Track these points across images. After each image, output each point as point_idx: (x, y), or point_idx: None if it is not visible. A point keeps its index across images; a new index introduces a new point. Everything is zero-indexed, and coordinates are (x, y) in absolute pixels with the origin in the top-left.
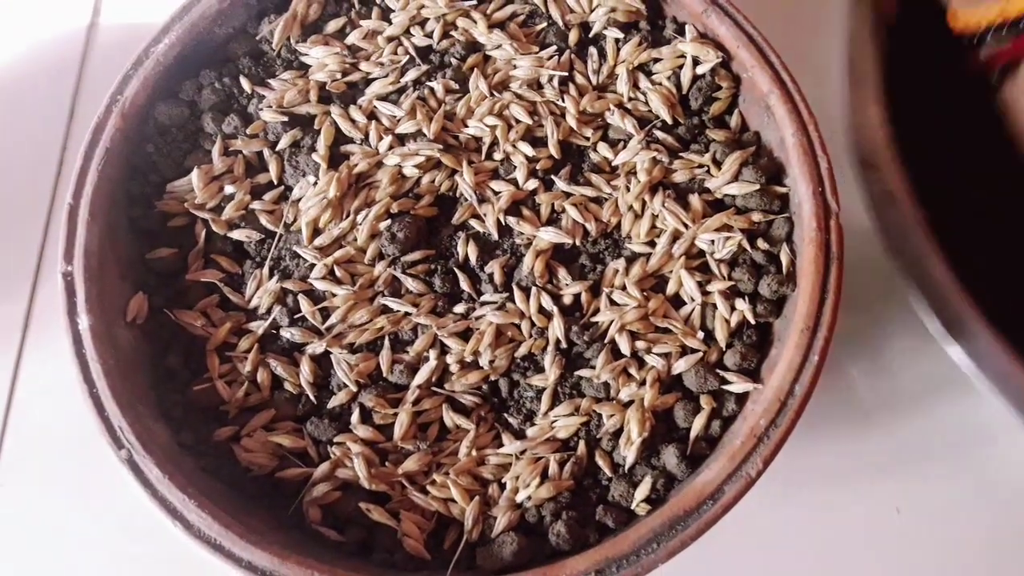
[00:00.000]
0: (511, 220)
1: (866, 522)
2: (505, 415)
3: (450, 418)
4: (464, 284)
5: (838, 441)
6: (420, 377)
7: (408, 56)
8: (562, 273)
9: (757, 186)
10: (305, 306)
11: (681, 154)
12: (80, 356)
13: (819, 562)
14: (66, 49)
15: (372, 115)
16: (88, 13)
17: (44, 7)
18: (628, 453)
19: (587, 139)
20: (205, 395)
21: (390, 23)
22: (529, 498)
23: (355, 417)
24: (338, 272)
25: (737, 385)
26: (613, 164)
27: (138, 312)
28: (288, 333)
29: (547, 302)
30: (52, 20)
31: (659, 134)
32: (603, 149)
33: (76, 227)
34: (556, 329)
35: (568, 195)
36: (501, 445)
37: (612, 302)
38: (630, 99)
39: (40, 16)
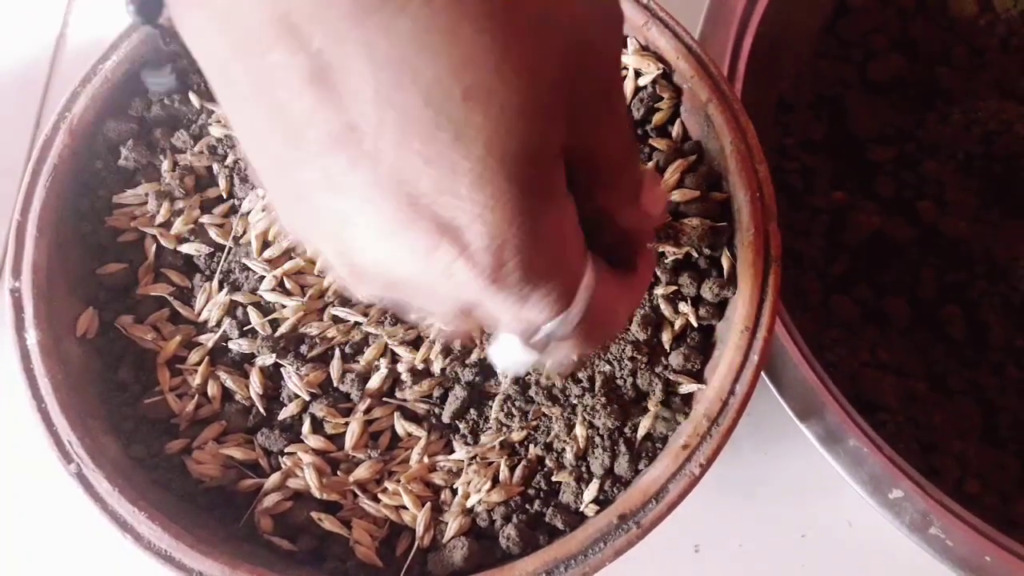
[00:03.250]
0: None
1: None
2: (457, 422)
3: (401, 426)
4: None
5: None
6: (371, 386)
7: None
8: None
9: (698, 193)
10: (255, 318)
11: None
12: (28, 371)
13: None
14: (34, 60)
15: None
16: (57, 24)
17: (12, 18)
18: (576, 456)
19: None
20: (156, 408)
21: None
22: (480, 503)
23: (306, 427)
24: (288, 284)
25: (682, 386)
26: None
27: (88, 327)
28: (237, 345)
29: None
30: (20, 31)
31: None
32: None
33: (24, 243)
34: None
35: None
36: (452, 452)
37: None
38: None
39: (8, 27)
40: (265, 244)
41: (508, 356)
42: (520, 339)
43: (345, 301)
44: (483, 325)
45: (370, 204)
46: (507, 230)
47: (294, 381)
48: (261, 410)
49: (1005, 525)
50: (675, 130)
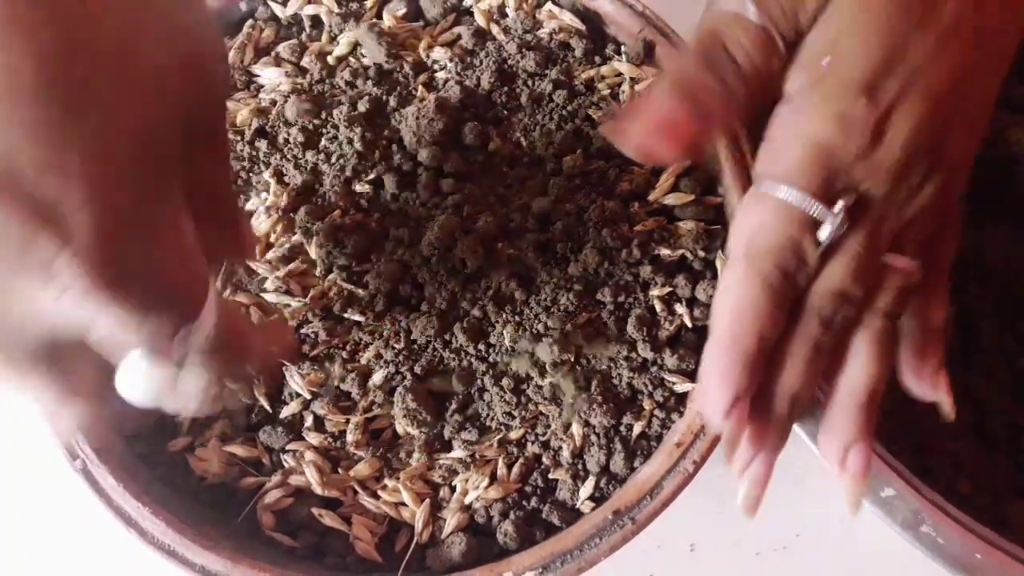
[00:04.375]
0: None
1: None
2: (456, 420)
3: (401, 424)
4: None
5: None
6: (371, 385)
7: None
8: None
9: (693, 196)
10: (258, 319)
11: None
12: None
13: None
14: None
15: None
16: None
17: None
18: (572, 454)
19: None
20: None
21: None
22: (478, 499)
23: (308, 425)
24: (291, 285)
25: (677, 385)
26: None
27: None
28: None
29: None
30: None
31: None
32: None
33: None
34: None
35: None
36: (451, 450)
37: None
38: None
39: None
40: (268, 246)
41: (137, 380)
42: (149, 355)
43: (348, 303)
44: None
45: None
46: (120, 219)
47: (296, 380)
48: (266, 407)
49: (996, 525)
50: None
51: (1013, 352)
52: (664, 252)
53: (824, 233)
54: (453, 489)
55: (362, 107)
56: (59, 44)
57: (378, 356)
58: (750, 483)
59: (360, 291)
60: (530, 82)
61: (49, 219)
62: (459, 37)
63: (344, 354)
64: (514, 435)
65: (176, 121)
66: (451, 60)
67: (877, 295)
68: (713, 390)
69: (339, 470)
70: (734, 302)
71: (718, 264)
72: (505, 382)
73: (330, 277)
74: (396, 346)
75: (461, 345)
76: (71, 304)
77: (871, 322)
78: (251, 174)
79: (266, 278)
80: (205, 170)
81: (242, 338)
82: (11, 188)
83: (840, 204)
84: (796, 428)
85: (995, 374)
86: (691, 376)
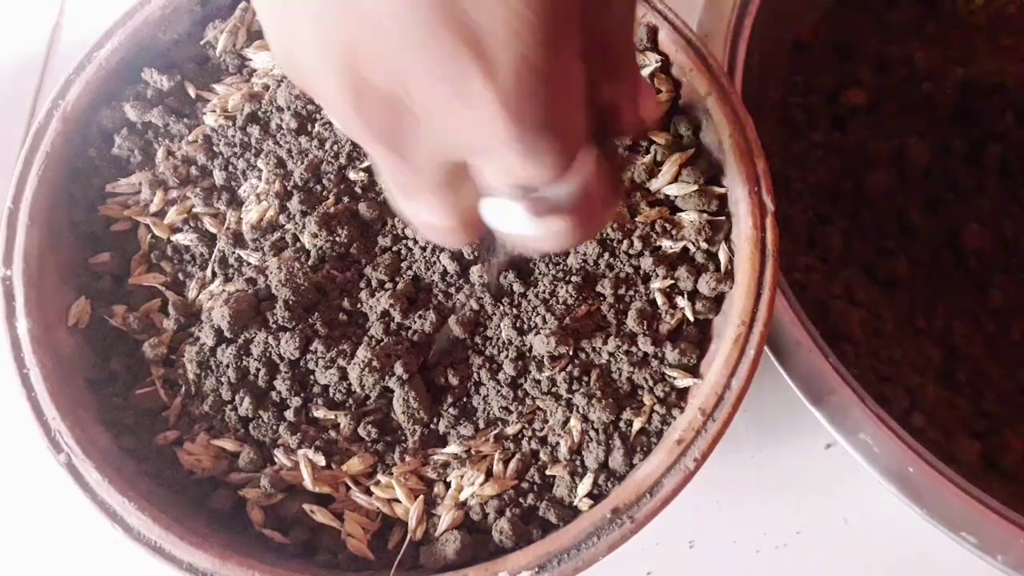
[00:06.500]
0: None
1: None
2: (450, 415)
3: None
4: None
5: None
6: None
7: None
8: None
9: (696, 187)
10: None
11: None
12: (19, 360)
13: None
14: (29, 50)
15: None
16: (53, 14)
17: (8, 7)
18: (570, 450)
19: None
20: (148, 399)
21: None
22: (473, 496)
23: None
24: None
25: (678, 381)
26: None
27: (80, 316)
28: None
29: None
30: (16, 20)
31: None
32: None
33: (16, 231)
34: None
35: None
36: (446, 445)
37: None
38: None
39: (4, 16)
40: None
41: (504, 218)
42: (516, 200)
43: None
44: (469, 195)
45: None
46: (537, 54)
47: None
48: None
49: (946, 460)
50: (673, 123)
51: (1002, 310)
52: (666, 244)
53: None
54: (448, 485)
55: None
56: None
57: (373, 347)
58: None
59: (360, 283)
60: None
61: (478, 45)
62: None
63: (344, 346)
64: (511, 430)
65: None
66: None
67: None
68: None
69: (332, 465)
70: None
71: (721, 256)
72: (502, 376)
73: (323, 269)
74: (391, 338)
75: (458, 337)
76: (483, 134)
77: None
78: (243, 160)
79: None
80: (610, 20)
81: (600, 201)
82: (451, 13)
83: None
84: (793, 427)
85: (979, 326)
86: (692, 371)
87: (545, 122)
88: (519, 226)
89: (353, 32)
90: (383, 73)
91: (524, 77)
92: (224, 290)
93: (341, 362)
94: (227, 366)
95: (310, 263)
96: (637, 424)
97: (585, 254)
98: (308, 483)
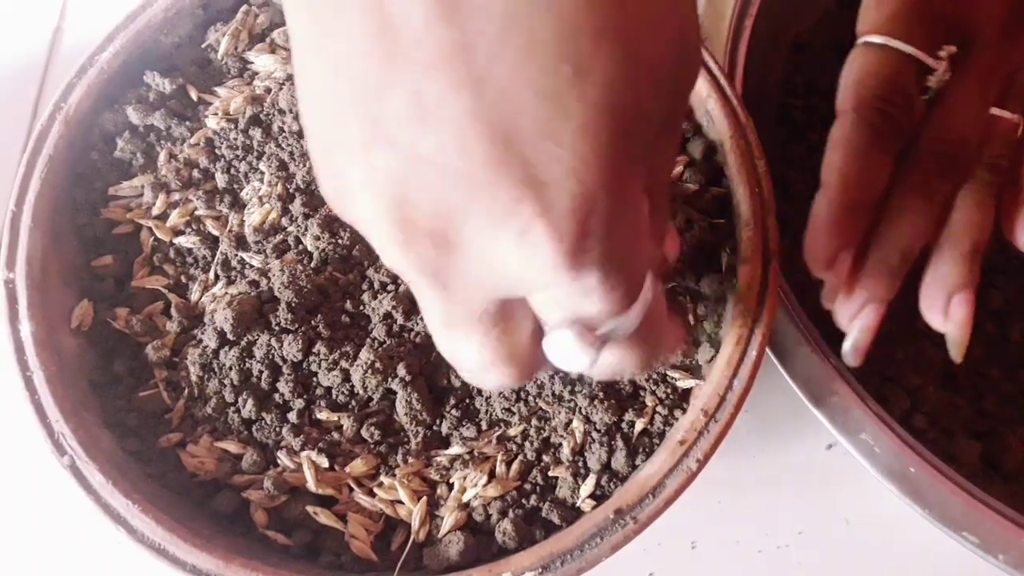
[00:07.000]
0: None
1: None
2: (454, 417)
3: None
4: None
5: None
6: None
7: None
8: None
9: (697, 188)
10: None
11: None
12: (22, 363)
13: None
14: (31, 53)
15: None
16: (54, 18)
17: (9, 11)
18: (573, 451)
19: None
20: (151, 402)
21: None
22: (476, 497)
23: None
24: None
25: (680, 382)
26: None
27: (83, 319)
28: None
29: None
30: (17, 24)
31: None
32: None
33: (19, 234)
34: None
35: None
36: (449, 446)
37: None
38: None
39: (5, 20)
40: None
41: (563, 353)
42: (574, 335)
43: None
44: (517, 331)
45: (458, 139)
46: (597, 196)
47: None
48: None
49: (945, 459)
50: None
51: (1003, 312)
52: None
53: (932, 79)
54: (451, 487)
55: None
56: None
57: (375, 349)
58: (859, 331)
59: (362, 285)
60: None
61: (535, 184)
62: None
63: (347, 348)
64: (513, 431)
65: (661, 108)
66: None
67: (982, 147)
68: (821, 238)
69: (335, 467)
70: (842, 151)
71: (722, 258)
72: None
73: (328, 271)
74: (394, 339)
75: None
76: (537, 269)
77: (976, 173)
78: (245, 163)
79: (260, 269)
80: (658, 162)
81: (660, 329)
82: (510, 150)
83: (945, 50)
84: (794, 427)
85: (978, 326)
86: (694, 372)
87: (605, 260)
88: (578, 360)
89: (402, 169)
90: (432, 209)
91: (585, 218)
92: (227, 292)
93: (344, 364)
94: (230, 368)
95: (312, 265)
96: (639, 425)
97: None
98: (311, 485)
